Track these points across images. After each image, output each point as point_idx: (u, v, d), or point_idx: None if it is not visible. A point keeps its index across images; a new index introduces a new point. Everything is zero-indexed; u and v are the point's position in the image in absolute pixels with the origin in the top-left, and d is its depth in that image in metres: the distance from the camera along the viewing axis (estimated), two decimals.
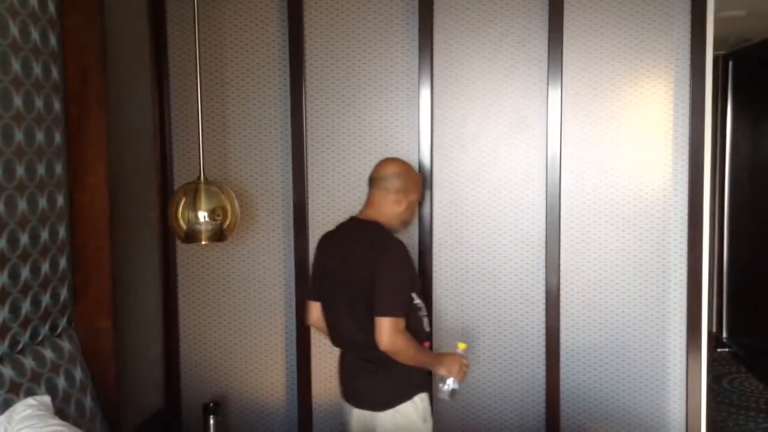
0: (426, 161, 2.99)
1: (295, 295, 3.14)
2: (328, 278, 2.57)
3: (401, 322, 2.38)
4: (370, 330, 2.40)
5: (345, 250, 2.52)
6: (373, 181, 2.59)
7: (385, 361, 2.43)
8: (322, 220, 3.09)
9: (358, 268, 2.45)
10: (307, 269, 3.09)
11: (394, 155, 3.03)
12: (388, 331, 2.34)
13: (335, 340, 2.62)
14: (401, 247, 2.49)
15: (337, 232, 2.63)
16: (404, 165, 2.63)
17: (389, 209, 2.55)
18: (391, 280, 2.40)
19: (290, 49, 3.04)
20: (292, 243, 3.12)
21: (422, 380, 2.55)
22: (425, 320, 2.55)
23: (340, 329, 2.56)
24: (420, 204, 2.93)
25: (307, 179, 3.08)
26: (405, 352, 2.39)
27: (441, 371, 2.51)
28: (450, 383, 2.51)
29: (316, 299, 2.66)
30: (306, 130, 3.06)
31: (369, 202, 2.59)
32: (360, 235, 2.52)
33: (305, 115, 3.06)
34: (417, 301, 2.50)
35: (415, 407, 2.49)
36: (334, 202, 3.10)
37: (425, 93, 2.98)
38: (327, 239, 2.66)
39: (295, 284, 3.13)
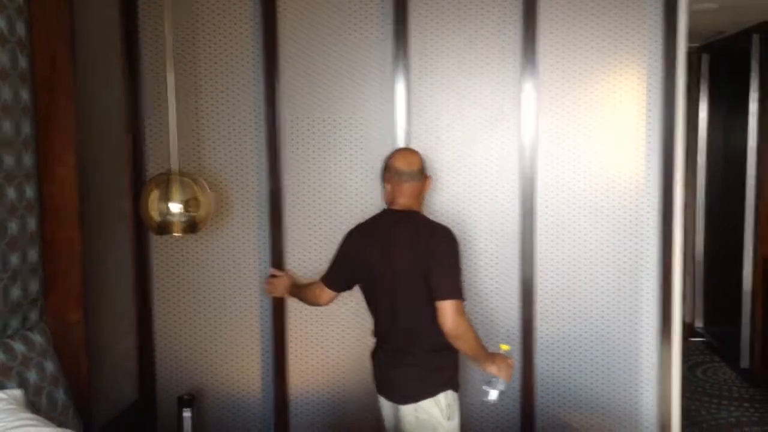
0: None
1: None
2: (367, 271, 2.56)
3: (462, 304, 2.39)
4: (411, 321, 2.44)
5: (388, 241, 2.51)
6: (404, 174, 2.56)
7: (420, 353, 2.46)
8: (297, 211, 3.08)
9: (406, 259, 2.45)
10: (282, 260, 3.08)
11: (369, 147, 3.03)
12: (452, 314, 2.34)
13: (376, 331, 2.63)
14: (452, 232, 2.51)
15: (374, 224, 2.63)
16: (416, 152, 2.68)
17: (420, 198, 2.62)
18: (448, 263, 2.42)
19: (264, 39, 3.02)
20: (267, 234, 3.10)
21: (449, 378, 2.53)
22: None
23: (381, 319, 2.57)
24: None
25: (282, 170, 3.07)
26: (466, 337, 2.40)
27: (491, 369, 2.49)
28: (499, 384, 2.48)
29: (331, 288, 2.71)
30: (280, 121, 3.05)
31: (400, 194, 2.57)
32: (405, 226, 2.52)
33: (279, 106, 3.04)
34: None
35: (438, 405, 2.48)
36: (309, 193, 3.08)
37: (400, 84, 2.97)
38: (362, 230, 2.64)
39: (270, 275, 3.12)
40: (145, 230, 3.08)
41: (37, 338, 2.31)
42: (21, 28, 2.25)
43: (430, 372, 2.49)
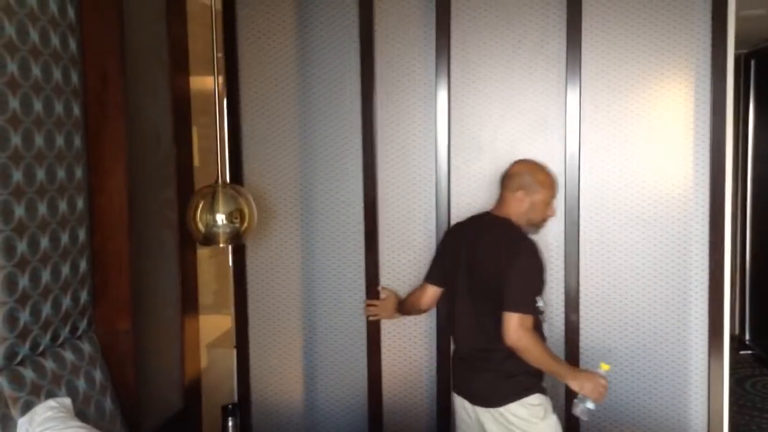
0: (443, 163, 2.98)
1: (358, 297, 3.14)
2: (454, 269, 2.59)
3: (528, 319, 2.38)
4: (488, 325, 2.44)
5: (476, 244, 2.54)
6: (502, 179, 2.62)
7: (498, 358, 2.45)
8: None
9: (488, 263, 2.47)
10: (375, 275, 3.09)
11: (410, 158, 3.02)
12: (514, 327, 2.34)
13: (453, 331, 2.64)
14: (534, 247, 2.48)
15: (470, 225, 2.66)
16: (530, 165, 2.63)
17: (513, 209, 2.55)
18: (522, 277, 2.41)
19: (361, 53, 3.01)
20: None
21: (532, 384, 2.50)
22: (543, 325, 2.55)
23: (460, 320, 2.58)
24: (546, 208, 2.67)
25: (378, 180, 3.06)
26: (531, 351, 2.38)
27: (572, 385, 2.45)
28: (586, 402, 2.43)
29: (434, 283, 2.75)
30: (376, 136, 3.04)
31: (498, 200, 2.62)
32: (493, 231, 2.54)
33: (374, 116, 3.04)
34: (540, 303, 2.49)
35: (525, 407, 2.46)
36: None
37: (442, 94, 2.97)
38: (458, 230, 2.70)
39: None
40: (191, 240, 3.12)
41: (86, 347, 2.35)
42: (73, 46, 2.30)
43: (511, 378, 2.47)
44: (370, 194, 3.05)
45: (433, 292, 2.78)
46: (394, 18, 3.01)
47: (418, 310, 2.86)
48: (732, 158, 2.89)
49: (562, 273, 2.97)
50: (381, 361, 3.12)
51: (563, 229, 2.96)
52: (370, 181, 3.04)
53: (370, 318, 3.06)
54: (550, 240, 2.98)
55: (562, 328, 2.99)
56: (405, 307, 2.90)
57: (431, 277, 2.77)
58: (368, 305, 3.05)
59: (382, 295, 3.04)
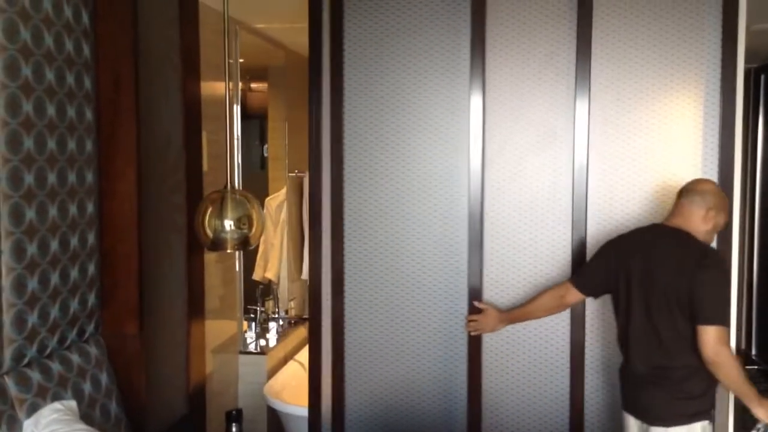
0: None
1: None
2: (623, 282, 2.52)
3: (726, 332, 2.30)
4: (669, 341, 2.38)
5: (653, 255, 2.46)
6: (687, 192, 2.53)
7: (677, 377, 2.39)
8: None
9: (671, 275, 2.38)
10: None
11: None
12: (712, 341, 2.26)
13: (626, 347, 2.57)
14: (722, 258, 2.41)
15: (641, 236, 2.59)
16: (717, 186, 2.59)
17: (696, 224, 2.47)
18: (716, 288, 2.34)
19: (479, 51, 2.99)
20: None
21: (702, 409, 2.42)
22: None
23: (635, 336, 2.50)
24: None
25: (485, 192, 3.00)
26: (727, 369, 2.29)
27: (758, 412, 2.35)
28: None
29: (582, 291, 2.68)
30: (486, 141, 3.00)
31: (678, 212, 2.52)
32: (674, 242, 2.46)
33: (484, 130, 3.06)
34: None
35: None
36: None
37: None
38: (624, 241, 2.62)
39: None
40: (198, 245, 3.13)
41: (93, 350, 2.37)
42: (87, 51, 2.32)
43: (681, 399, 2.40)
44: (475, 205, 3.01)
45: (579, 297, 2.72)
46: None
47: (554, 309, 2.79)
48: (740, 173, 2.88)
49: None
50: (481, 375, 3.05)
51: (570, 240, 2.95)
52: (476, 193, 3.00)
53: (472, 333, 2.98)
54: (557, 255, 2.97)
55: (568, 340, 2.98)
56: (529, 310, 2.81)
57: (581, 284, 2.69)
58: (469, 321, 2.97)
59: (481, 308, 2.95)
